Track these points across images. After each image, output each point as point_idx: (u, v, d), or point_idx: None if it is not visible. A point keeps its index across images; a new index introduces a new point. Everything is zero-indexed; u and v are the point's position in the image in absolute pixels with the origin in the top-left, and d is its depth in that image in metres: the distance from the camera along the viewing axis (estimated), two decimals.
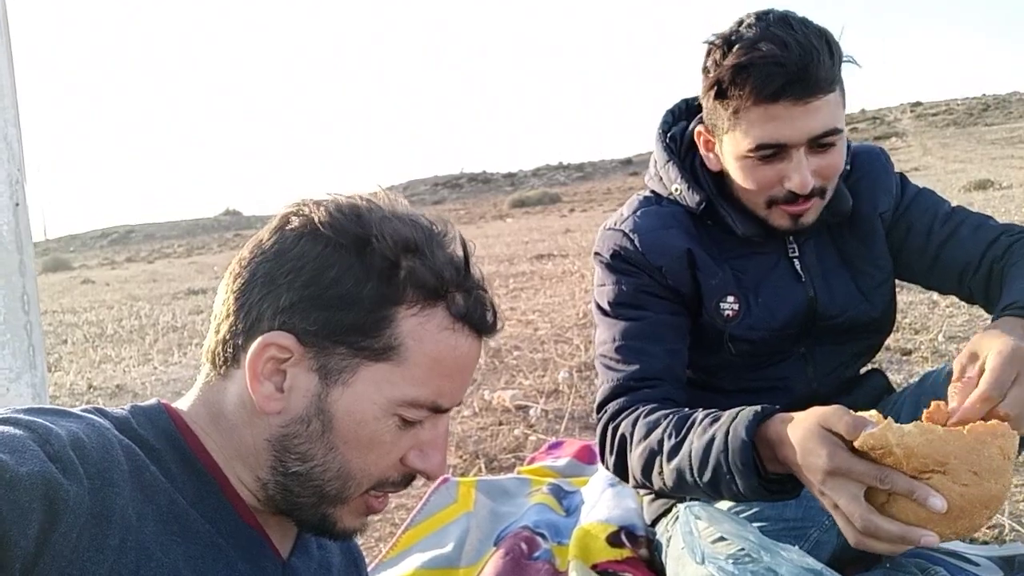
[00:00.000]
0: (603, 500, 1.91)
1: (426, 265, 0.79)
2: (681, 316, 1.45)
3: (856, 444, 0.90)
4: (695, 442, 1.16)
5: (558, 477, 2.24)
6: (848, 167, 1.48)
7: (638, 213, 1.48)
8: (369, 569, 1.81)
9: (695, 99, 1.51)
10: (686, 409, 1.27)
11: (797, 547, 1.23)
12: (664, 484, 1.24)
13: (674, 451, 1.20)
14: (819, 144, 1.28)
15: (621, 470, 1.37)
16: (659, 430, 1.24)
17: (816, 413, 0.98)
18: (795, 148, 1.27)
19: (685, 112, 1.55)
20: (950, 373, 1.45)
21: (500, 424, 2.92)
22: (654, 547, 1.69)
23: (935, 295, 3.79)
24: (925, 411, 0.95)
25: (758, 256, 1.45)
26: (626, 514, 1.82)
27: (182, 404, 0.87)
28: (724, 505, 1.37)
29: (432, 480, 0.88)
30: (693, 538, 1.24)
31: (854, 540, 0.94)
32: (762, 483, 1.07)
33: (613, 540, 1.74)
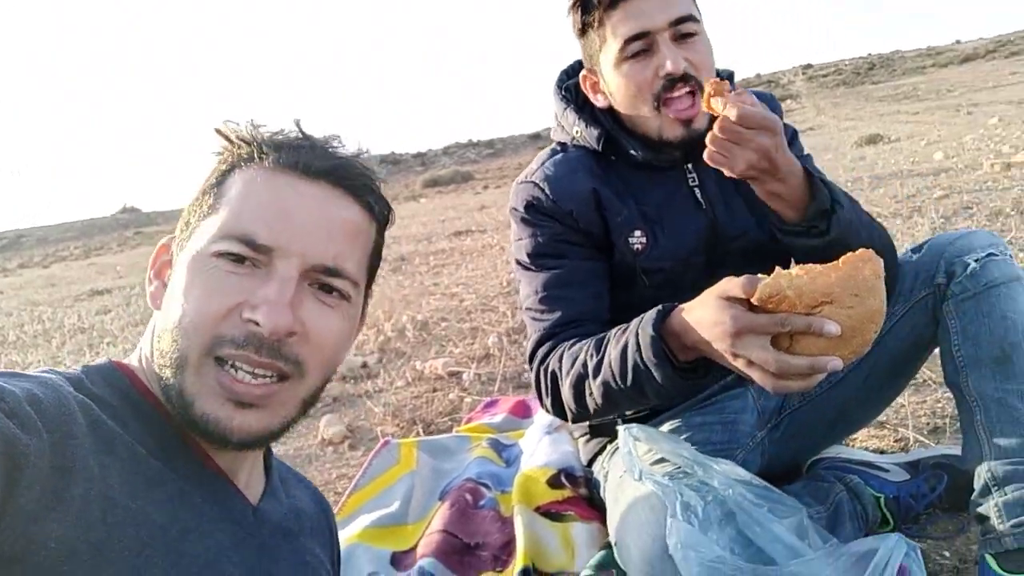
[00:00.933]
0: (541, 447, 1.98)
1: (246, 139, 0.89)
2: (598, 261, 1.51)
3: (754, 299, 1.01)
4: (612, 352, 1.26)
5: (495, 433, 2.30)
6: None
7: (546, 164, 1.54)
8: None
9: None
10: (605, 334, 1.33)
11: (728, 462, 1.32)
12: (596, 403, 1.33)
13: (597, 368, 1.29)
14: (681, 34, 1.38)
15: (558, 408, 1.44)
16: (582, 355, 1.33)
17: (710, 291, 1.09)
18: (659, 35, 1.37)
19: (578, 68, 1.61)
20: None
21: (434, 391, 2.95)
22: (592, 485, 1.77)
23: None
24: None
25: (660, 187, 1.51)
26: (564, 458, 1.89)
27: (132, 360, 0.88)
28: (663, 429, 1.46)
29: (268, 336, 0.79)
30: (632, 458, 1.31)
31: (772, 386, 1.03)
32: (676, 371, 1.17)
33: (553, 482, 1.81)
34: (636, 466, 1.26)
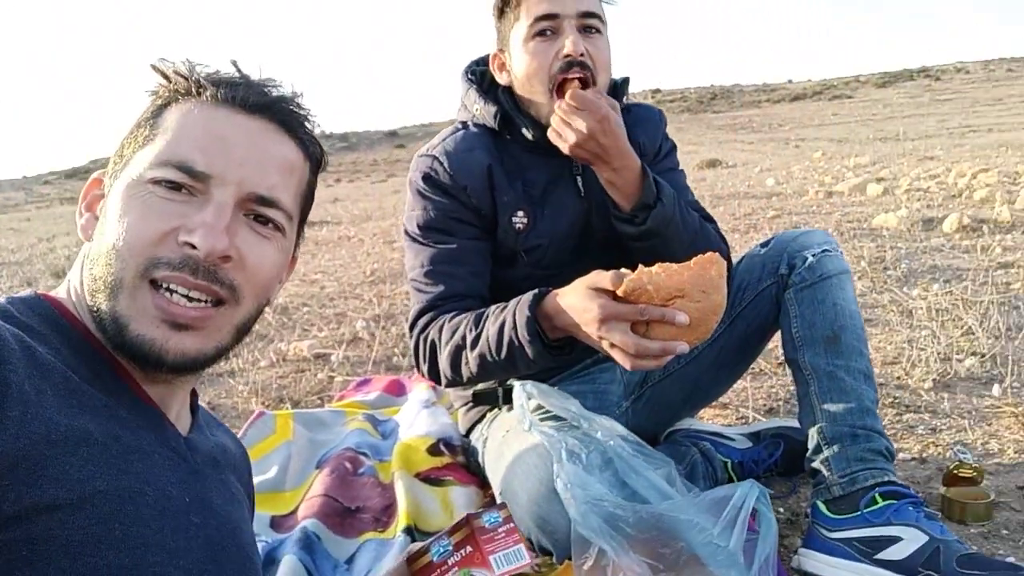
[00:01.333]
0: (419, 420, 2.05)
1: (185, 76, 0.90)
2: (484, 241, 1.61)
3: (620, 292, 1.17)
4: (490, 328, 1.39)
5: (370, 409, 2.34)
6: (628, 110, 1.69)
7: (447, 139, 1.62)
8: None
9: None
10: (483, 310, 1.47)
11: (609, 420, 1.45)
12: (471, 372, 1.45)
13: (475, 341, 1.42)
14: (585, 26, 1.49)
15: (435, 374, 1.54)
16: (462, 327, 1.45)
17: (581, 281, 1.25)
18: (566, 20, 1.48)
19: (487, 61, 1.69)
20: None
21: (300, 371, 2.92)
22: (470, 453, 1.86)
23: None
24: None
25: (546, 170, 1.61)
26: (442, 428, 1.97)
27: (60, 292, 0.88)
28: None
29: (204, 257, 0.81)
30: (524, 411, 1.42)
31: (630, 365, 1.20)
32: (546, 348, 1.33)
33: (432, 450, 1.88)
34: (527, 418, 1.37)
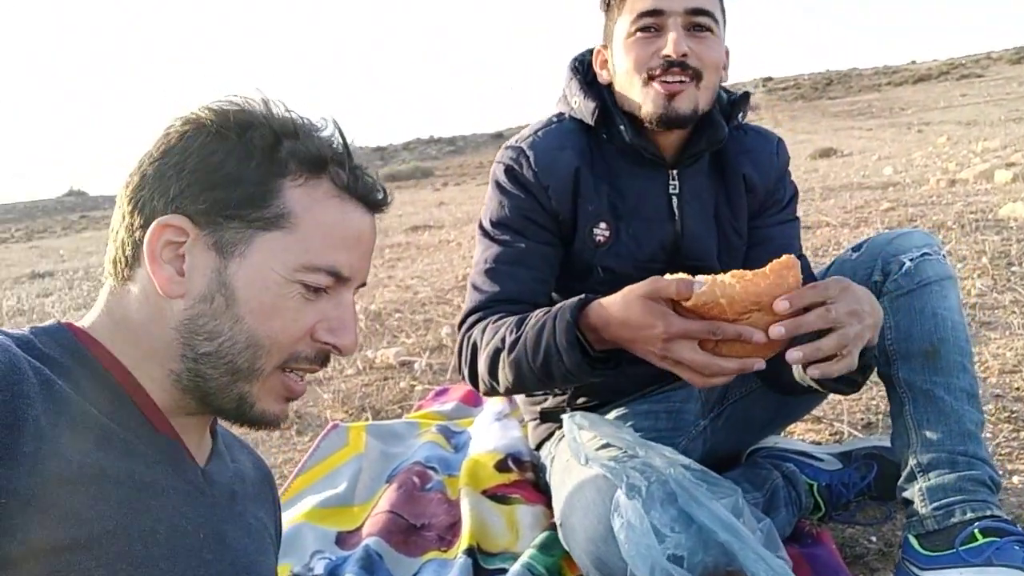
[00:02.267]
0: (490, 433, 2.01)
1: (305, 143, 0.85)
2: (555, 247, 1.51)
3: (690, 304, 1.06)
4: (529, 332, 1.30)
5: (445, 420, 2.32)
6: (744, 132, 1.57)
7: (539, 132, 1.53)
8: None
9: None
10: (527, 314, 1.36)
11: (669, 448, 1.36)
12: (508, 379, 1.36)
13: (514, 344, 1.32)
14: (694, 25, 1.38)
15: (473, 378, 1.46)
16: (503, 330, 1.36)
17: (634, 290, 1.14)
18: (671, 18, 1.37)
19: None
20: None
21: (385, 379, 2.95)
22: (539, 470, 1.80)
23: None
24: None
25: (639, 181, 1.50)
26: (512, 443, 1.92)
27: (84, 321, 0.88)
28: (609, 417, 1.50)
29: (345, 355, 0.90)
30: (577, 444, 1.34)
31: (701, 383, 1.12)
32: (586, 359, 1.22)
33: (500, 466, 1.83)
34: (581, 452, 1.29)
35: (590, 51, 1.62)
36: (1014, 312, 2.72)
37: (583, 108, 1.50)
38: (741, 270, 1.06)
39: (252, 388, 0.85)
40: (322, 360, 0.90)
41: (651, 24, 1.39)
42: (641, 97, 1.42)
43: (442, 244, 7.59)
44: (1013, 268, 3.27)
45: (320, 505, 1.78)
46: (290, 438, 2.51)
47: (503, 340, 1.34)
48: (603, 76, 1.52)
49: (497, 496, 1.74)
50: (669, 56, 1.37)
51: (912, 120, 18.90)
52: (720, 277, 1.05)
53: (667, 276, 1.13)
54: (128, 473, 0.76)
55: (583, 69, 1.58)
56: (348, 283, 0.88)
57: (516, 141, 1.54)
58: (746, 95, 1.57)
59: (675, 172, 1.52)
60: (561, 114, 1.57)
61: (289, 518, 1.69)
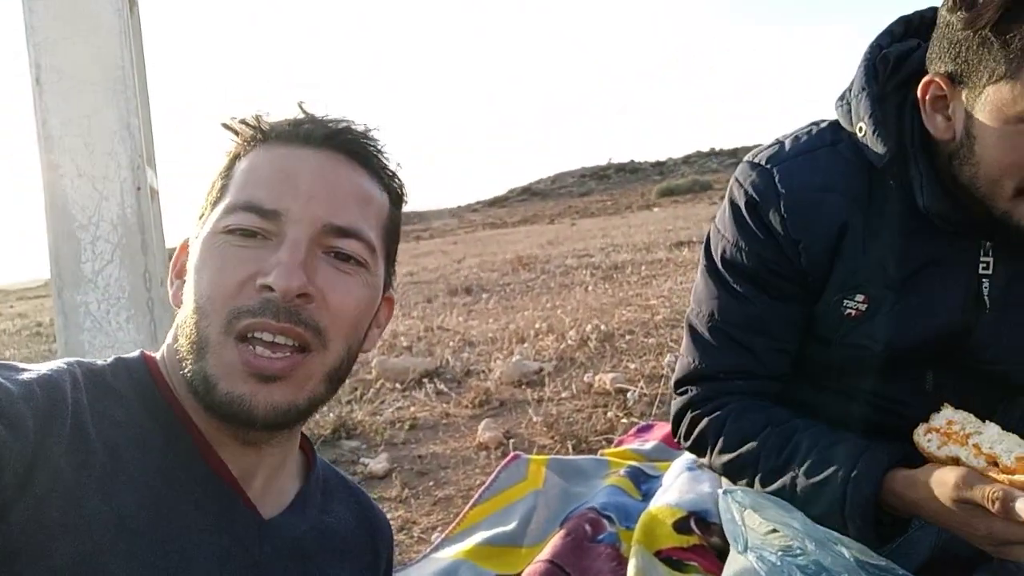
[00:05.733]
0: (677, 484, 1.78)
1: (251, 125, 0.85)
2: (799, 305, 1.20)
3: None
4: (801, 479, 1.10)
5: (642, 460, 2.12)
6: None
7: (801, 157, 1.16)
8: (435, 545, 1.78)
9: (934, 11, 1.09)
10: (780, 421, 1.17)
11: (857, 543, 1.05)
12: (753, 486, 1.17)
13: (772, 475, 1.14)
14: None
15: (694, 452, 1.30)
16: (753, 445, 1.16)
17: (943, 487, 0.96)
18: None
19: (917, 28, 1.15)
20: None
21: (595, 407, 2.81)
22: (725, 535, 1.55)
23: None
24: None
25: (931, 249, 1.12)
26: (699, 499, 1.68)
27: (159, 353, 0.87)
28: None
29: (280, 296, 0.75)
30: (736, 526, 1.09)
31: None
32: (873, 526, 1.05)
33: (680, 526, 1.61)
34: (740, 536, 1.05)
35: (892, 34, 1.16)
36: None
37: (871, 142, 1.09)
38: None
39: (208, 364, 0.76)
40: (273, 311, 0.75)
41: None
42: (1008, 206, 1.01)
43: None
44: None
45: (486, 543, 1.69)
46: (493, 460, 2.48)
47: (756, 461, 1.16)
48: (935, 124, 1.04)
49: (672, 561, 1.52)
50: None
51: None
52: None
53: (949, 418, 1.00)
54: (154, 523, 0.71)
55: (884, 70, 1.12)
56: (285, 219, 0.78)
57: (769, 162, 1.17)
58: None
59: (990, 245, 1.12)
60: (837, 130, 1.18)
61: (452, 553, 1.63)
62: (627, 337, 3.88)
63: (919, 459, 1.03)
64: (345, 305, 0.80)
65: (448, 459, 2.56)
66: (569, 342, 3.82)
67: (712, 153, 44.14)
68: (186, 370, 0.77)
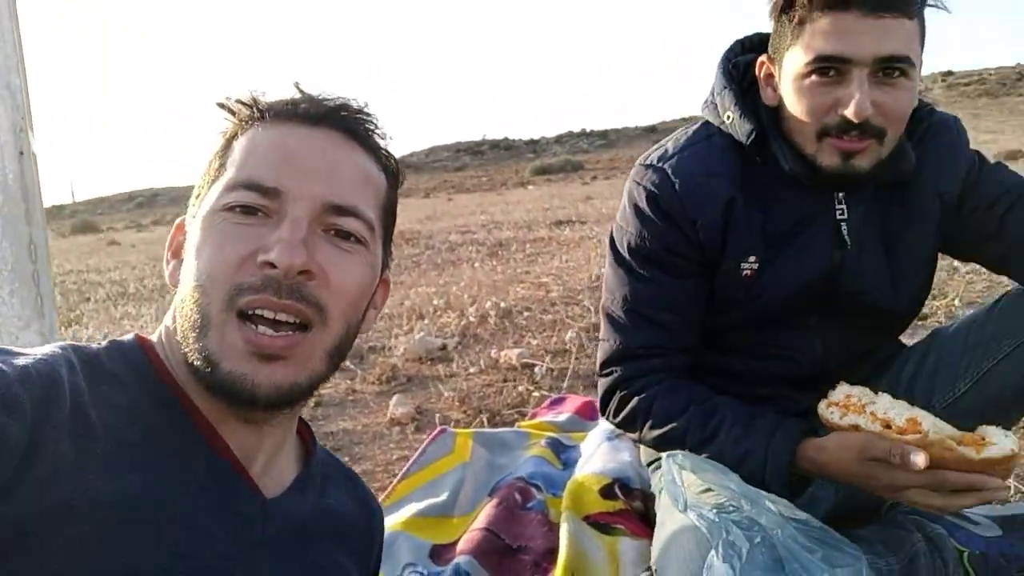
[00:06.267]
0: (599, 453, 1.90)
1: (247, 104, 0.86)
2: (700, 280, 1.39)
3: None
4: (728, 448, 1.29)
5: (558, 432, 2.23)
6: (919, 136, 1.36)
7: (685, 152, 1.37)
8: None
9: (768, 34, 1.37)
10: (703, 399, 1.36)
11: (788, 501, 1.20)
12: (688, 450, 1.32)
13: (699, 447, 1.31)
14: (885, 71, 1.16)
15: (625, 428, 1.46)
16: (680, 423, 1.34)
17: (850, 451, 1.14)
18: (857, 68, 1.16)
19: (756, 45, 1.42)
20: (958, 330, 1.41)
21: (505, 381, 2.91)
22: (648, 499, 1.68)
23: (955, 261, 3.71)
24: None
25: (798, 206, 1.34)
26: (621, 467, 1.80)
27: (155, 336, 0.87)
28: None
29: (281, 271, 0.76)
30: (676, 487, 1.21)
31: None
32: (790, 488, 1.25)
33: (606, 492, 1.72)
34: (681, 496, 1.16)
35: (745, 45, 1.43)
36: None
37: (738, 127, 1.33)
38: (952, 443, 1.05)
39: (210, 343, 0.76)
40: (275, 288, 0.76)
41: (832, 68, 1.18)
42: (813, 148, 1.25)
43: (583, 240, 7.52)
44: None
45: (419, 514, 1.75)
46: (409, 435, 2.53)
47: (685, 434, 1.34)
48: (767, 95, 1.32)
49: (600, 524, 1.63)
50: (848, 120, 1.18)
51: None
52: (932, 436, 1.05)
53: (847, 392, 1.17)
54: (160, 502, 0.72)
55: (738, 74, 1.39)
56: (286, 198, 0.79)
57: (660, 161, 1.37)
58: (930, 109, 1.39)
59: (842, 195, 1.34)
60: (709, 126, 1.40)
61: (388, 525, 1.67)
62: (525, 314, 4.00)
63: (822, 431, 1.22)
64: (345, 282, 0.82)
65: (360, 435, 2.58)
66: (470, 319, 3.90)
67: (584, 134, 45.15)
68: (187, 349, 0.78)
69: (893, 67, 1.16)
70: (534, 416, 2.44)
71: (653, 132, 40.90)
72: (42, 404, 0.66)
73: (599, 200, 13.29)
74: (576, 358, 3.08)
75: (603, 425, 2.10)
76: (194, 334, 0.77)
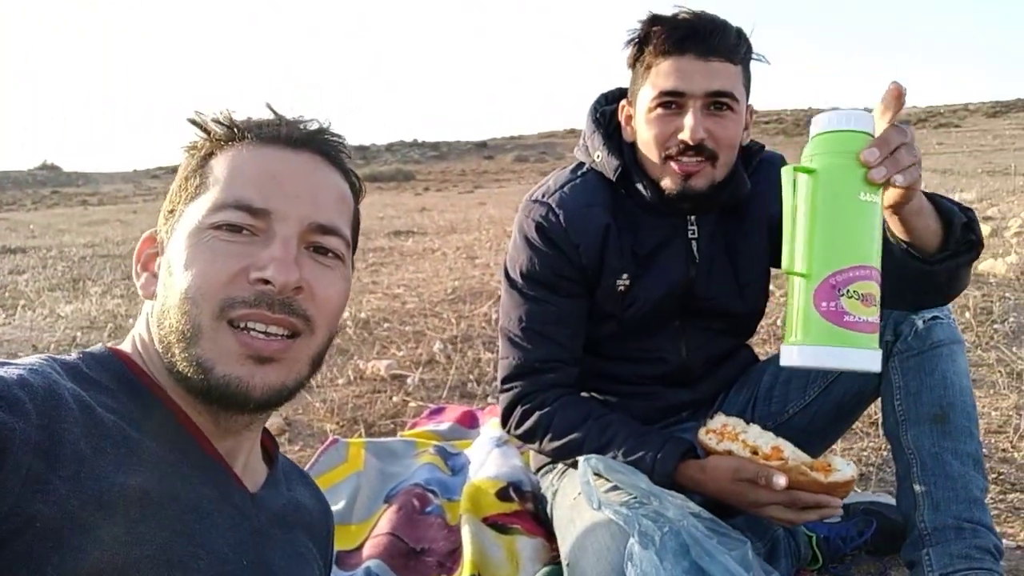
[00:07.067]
0: (491, 459, 2.01)
1: (224, 123, 0.91)
2: (584, 299, 1.59)
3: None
4: (620, 459, 1.44)
5: (441, 440, 2.31)
6: (753, 168, 1.60)
7: (565, 188, 1.57)
8: None
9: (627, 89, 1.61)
10: (599, 414, 1.53)
11: (681, 495, 1.38)
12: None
13: (601, 451, 1.46)
14: (714, 104, 1.41)
15: (525, 441, 1.60)
16: (579, 434, 1.50)
17: (725, 473, 1.34)
18: (692, 100, 1.40)
19: (616, 97, 1.66)
20: None
21: (376, 392, 2.94)
22: (539, 500, 1.81)
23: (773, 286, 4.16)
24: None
25: (658, 229, 1.57)
26: (513, 472, 1.93)
27: (125, 345, 0.89)
28: None
29: (277, 289, 0.82)
30: (590, 487, 1.35)
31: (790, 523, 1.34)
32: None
33: (502, 495, 1.84)
34: (594, 496, 1.31)
35: (610, 97, 1.67)
36: (999, 372, 2.79)
37: (606, 164, 1.55)
38: (805, 467, 1.27)
39: (203, 349, 0.81)
40: (268, 303, 0.82)
41: (672, 102, 1.42)
42: (659, 172, 1.48)
43: (427, 252, 7.58)
44: (996, 326, 3.36)
45: None
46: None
47: (581, 445, 1.49)
48: (627, 133, 1.55)
49: (498, 525, 1.74)
50: (684, 143, 1.41)
51: None
52: (791, 463, 1.27)
53: (723, 422, 1.40)
54: (172, 495, 0.76)
55: (604, 120, 1.62)
56: (274, 218, 0.85)
57: (543, 196, 1.58)
58: (761, 147, 1.63)
59: (693, 218, 1.58)
60: (582, 165, 1.62)
61: None
62: (384, 325, 4.02)
63: (701, 452, 1.44)
64: (329, 295, 0.89)
65: None
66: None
67: (415, 144, 45.15)
68: (174, 359, 0.82)
69: (720, 101, 1.41)
70: (415, 426, 2.50)
71: (484, 147, 41.71)
72: (48, 407, 0.68)
73: (435, 212, 13.42)
74: (446, 369, 3.16)
75: (488, 433, 2.22)
76: (182, 344, 0.81)
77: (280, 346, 0.84)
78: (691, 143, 1.41)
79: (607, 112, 1.63)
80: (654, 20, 1.44)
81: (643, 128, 1.47)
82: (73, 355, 0.83)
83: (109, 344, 0.89)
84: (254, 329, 0.82)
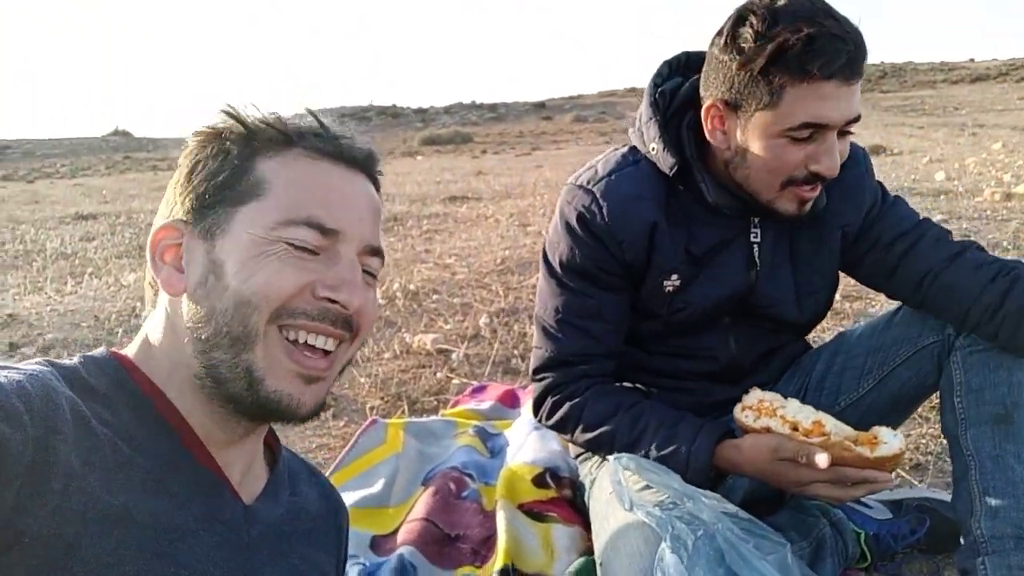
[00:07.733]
0: (528, 443, 1.98)
1: (274, 126, 0.88)
2: (625, 292, 1.50)
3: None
4: (653, 452, 1.40)
5: (482, 420, 2.30)
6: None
7: (612, 176, 1.45)
8: None
9: (698, 54, 1.45)
10: (630, 404, 1.47)
11: (717, 494, 1.32)
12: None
13: (627, 449, 1.41)
14: (846, 130, 1.28)
15: (557, 430, 1.57)
16: (609, 426, 1.45)
17: (762, 452, 1.27)
18: (831, 131, 1.25)
19: (683, 66, 1.50)
20: (862, 335, 1.57)
21: (421, 367, 2.94)
22: (577, 488, 1.78)
23: None
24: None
25: (717, 229, 1.45)
26: (551, 457, 1.90)
27: (129, 350, 0.88)
28: None
29: (349, 311, 0.85)
30: (621, 487, 1.31)
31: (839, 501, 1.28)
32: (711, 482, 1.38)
33: (539, 481, 1.81)
34: (626, 496, 1.26)
35: (671, 65, 1.50)
36: None
37: (661, 160, 1.41)
38: (848, 441, 1.20)
39: (254, 356, 0.81)
40: (332, 320, 0.84)
41: (809, 134, 1.26)
42: (773, 195, 1.34)
43: (480, 219, 7.54)
44: None
45: (356, 504, 1.78)
46: (326, 421, 2.52)
47: (612, 437, 1.45)
48: (715, 138, 1.36)
49: (534, 513, 1.72)
50: (820, 174, 1.29)
51: (966, 121, 18.35)
52: (834, 438, 1.20)
53: (759, 397, 1.32)
54: (155, 514, 0.75)
55: (664, 103, 1.45)
56: (340, 238, 0.86)
57: (588, 183, 1.46)
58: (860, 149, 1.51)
59: (757, 220, 1.47)
60: (636, 151, 1.48)
61: None
62: (434, 296, 4.02)
63: (738, 432, 1.36)
64: (370, 312, 0.92)
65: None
66: (379, 301, 3.88)
67: (473, 106, 44.98)
68: (217, 361, 0.81)
69: (853, 125, 1.28)
70: (456, 404, 2.49)
71: (542, 108, 41.28)
72: (45, 417, 0.68)
73: (491, 176, 13.34)
74: (491, 344, 3.14)
75: (528, 415, 2.19)
76: (234, 348, 0.81)
77: (325, 364, 0.86)
78: (828, 177, 1.29)
79: (667, 92, 1.46)
80: (809, 39, 1.19)
81: (760, 150, 1.30)
82: (75, 358, 0.83)
83: (113, 348, 0.88)
84: (303, 341, 0.84)
